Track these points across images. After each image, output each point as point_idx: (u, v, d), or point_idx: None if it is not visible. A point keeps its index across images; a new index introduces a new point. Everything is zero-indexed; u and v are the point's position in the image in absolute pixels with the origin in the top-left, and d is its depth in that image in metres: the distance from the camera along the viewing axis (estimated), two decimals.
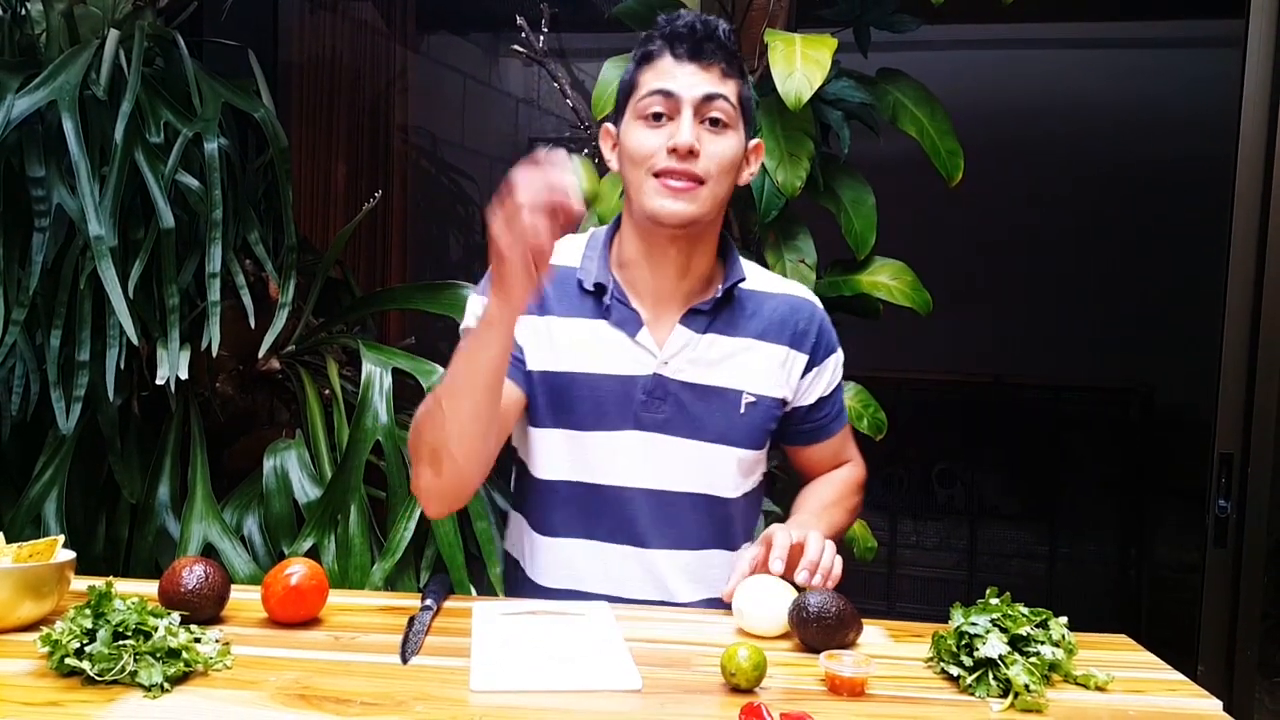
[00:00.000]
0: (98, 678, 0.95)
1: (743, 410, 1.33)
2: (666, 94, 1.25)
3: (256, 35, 2.72)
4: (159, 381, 1.77)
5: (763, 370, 1.35)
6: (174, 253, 1.79)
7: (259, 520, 1.89)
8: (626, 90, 1.31)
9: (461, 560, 1.78)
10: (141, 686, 0.94)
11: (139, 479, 1.91)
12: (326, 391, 2.06)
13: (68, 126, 1.70)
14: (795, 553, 1.21)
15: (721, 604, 1.25)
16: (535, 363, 1.32)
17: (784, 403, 1.38)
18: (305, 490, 1.89)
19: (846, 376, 1.99)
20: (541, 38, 2.20)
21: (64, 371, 1.77)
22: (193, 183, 1.83)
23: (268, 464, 1.90)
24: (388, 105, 3.10)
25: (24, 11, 1.91)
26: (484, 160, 3.52)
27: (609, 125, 1.34)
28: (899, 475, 3.71)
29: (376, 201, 2.19)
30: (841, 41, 1.84)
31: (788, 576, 1.19)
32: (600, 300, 1.32)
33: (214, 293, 1.79)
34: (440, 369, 1.89)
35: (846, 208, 1.92)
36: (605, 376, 1.31)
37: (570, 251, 1.37)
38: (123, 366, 1.76)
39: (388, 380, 1.90)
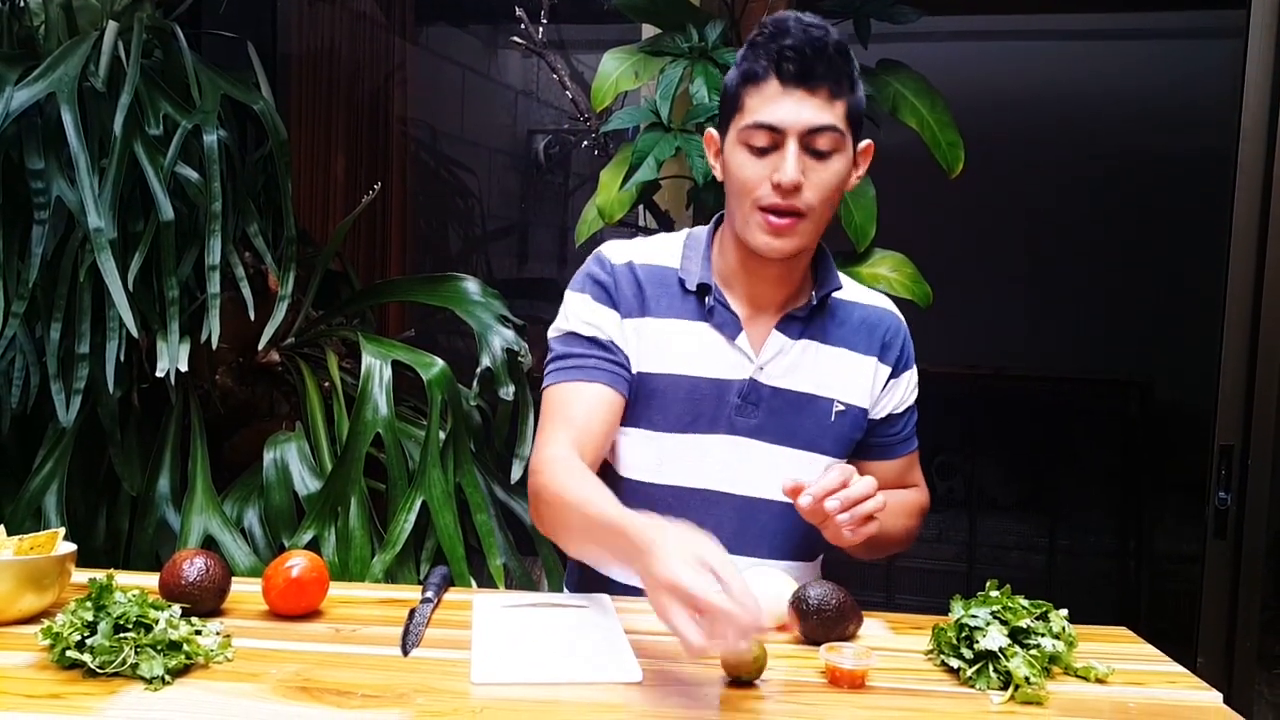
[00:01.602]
0: (99, 670, 0.95)
1: (833, 419, 1.32)
2: (771, 128, 1.20)
3: (255, 27, 2.71)
4: (159, 374, 1.77)
5: (853, 379, 1.34)
6: (173, 245, 1.78)
7: (259, 512, 1.89)
8: (730, 105, 1.25)
9: (462, 552, 1.79)
10: (143, 679, 0.95)
11: (139, 471, 1.92)
12: (326, 384, 2.06)
13: (67, 119, 1.69)
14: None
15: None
16: (634, 366, 1.31)
17: (867, 413, 1.37)
18: (305, 482, 1.89)
19: None
20: (541, 29, 2.20)
21: (64, 364, 1.77)
22: (192, 175, 1.82)
23: (268, 456, 1.90)
24: (387, 97, 3.09)
25: (23, 3, 1.90)
26: (483, 152, 3.51)
27: (712, 131, 1.30)
28: None
29: (376, 194, 2.18)
30: (841, 32, 1.83)
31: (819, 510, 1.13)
32: (703, 302, 1.30)
33: (214, 285, 1.79)
34: (440, 362, 1.89)
35: (846, 199, 1.92)
36: (702, 379, 1.29)
37: (668, 250, 1.35)
38: (122, 359, 1.76)
39: (387, 373, 1.89)
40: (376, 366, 1.90)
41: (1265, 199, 1.91)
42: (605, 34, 2.72)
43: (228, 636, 1.04)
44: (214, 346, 1.82)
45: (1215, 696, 1.03)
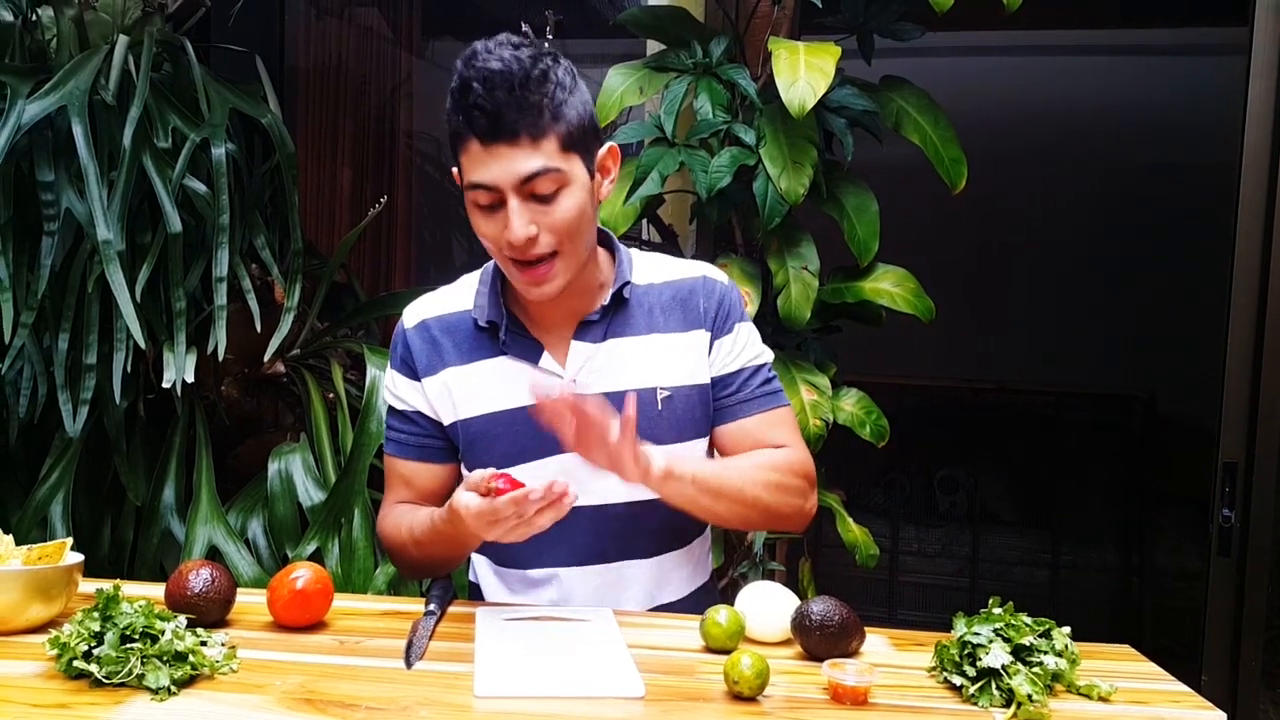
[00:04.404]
0: (105, 680, 0.96)
1: (660, 406, 1.30)
2: (486, 187, 1.17)
3: (264, 41, 2.73)
4: (165, 385, 1.78)
5: (672, 362, 1.32)
6: (181, 257, 1.80)
7: (263, 523, 1.90)
8: (454, 150, 1.21)
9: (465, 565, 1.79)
10: (148, 689, 0.95)
11: (144, 481, 1.92)
12: (331, 395, 2.07)
13: (77, 131, 1.71)
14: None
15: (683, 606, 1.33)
16: (449, 417, 1.32)
17: (709, 388, 1.33)
18: (309, 494, 1.89)
19: (848, 382, 2.00)
20: (546, 44, 2.21)
21: (71, 374, 1.78)
22: (200, 187, 1.84)
23: (272, 467, 1.91)
24: (393, 110, 3.11)
25: (35, 17, 1.92)
26: None
27: (455, 170, 1.26)
28: (901, 482, 3.71)
29: (382, 206, 2.19)
30: (845, 49, 1.84)
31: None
32: (496, 337, 1.30)
33: (220, 296, 1.80)
34: None
35: (850, 215, 1.93)
36: (517, 410, 1.29)
37: (466, 292, 1.34)
38: (129, 370, 1.77)
39: None
40: (381, 378, 1.91)
41: (1269, 214, 1.92)
42: (610, 49, 2.74)
43: (233, 648, 1.05)
44: (220, 358, 1.83)
45: (1219, 716, 1.03)
